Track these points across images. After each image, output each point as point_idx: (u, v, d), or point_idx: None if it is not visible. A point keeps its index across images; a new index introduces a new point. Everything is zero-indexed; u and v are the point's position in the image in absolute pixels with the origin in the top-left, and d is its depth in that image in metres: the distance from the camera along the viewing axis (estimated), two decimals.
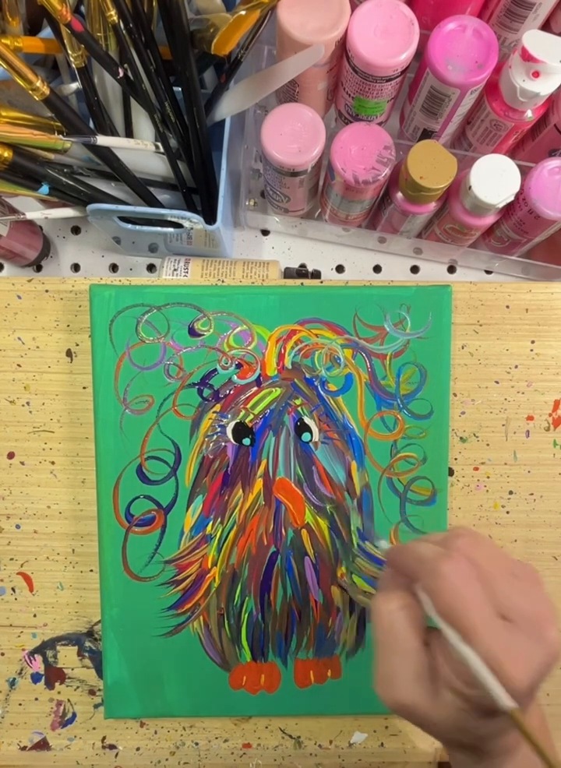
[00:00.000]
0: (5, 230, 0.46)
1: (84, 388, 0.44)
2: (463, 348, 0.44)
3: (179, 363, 0.42)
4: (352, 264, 0.54)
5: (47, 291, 0.44)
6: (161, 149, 0.44)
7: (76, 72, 0.39)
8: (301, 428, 0.42)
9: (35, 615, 0.44)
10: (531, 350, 0.44)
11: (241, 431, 0.42)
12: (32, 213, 0.43)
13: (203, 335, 0.42)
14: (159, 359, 0.42)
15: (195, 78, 0.40)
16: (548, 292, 0.44)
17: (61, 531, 0.44)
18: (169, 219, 0.44)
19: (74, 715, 0.44)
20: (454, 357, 0.44)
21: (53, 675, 0.44)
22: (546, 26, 0.43)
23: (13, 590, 0.44)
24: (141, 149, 0.44)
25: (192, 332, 0.42)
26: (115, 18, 0.37)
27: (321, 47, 0.37)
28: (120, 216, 0.45)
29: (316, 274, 0.52)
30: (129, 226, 0.45)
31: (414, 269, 0.55)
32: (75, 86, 0.44)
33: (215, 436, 0.42)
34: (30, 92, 0.36)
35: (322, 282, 0.45)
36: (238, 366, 0.42)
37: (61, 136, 0.39)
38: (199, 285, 0.44)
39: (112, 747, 0.43)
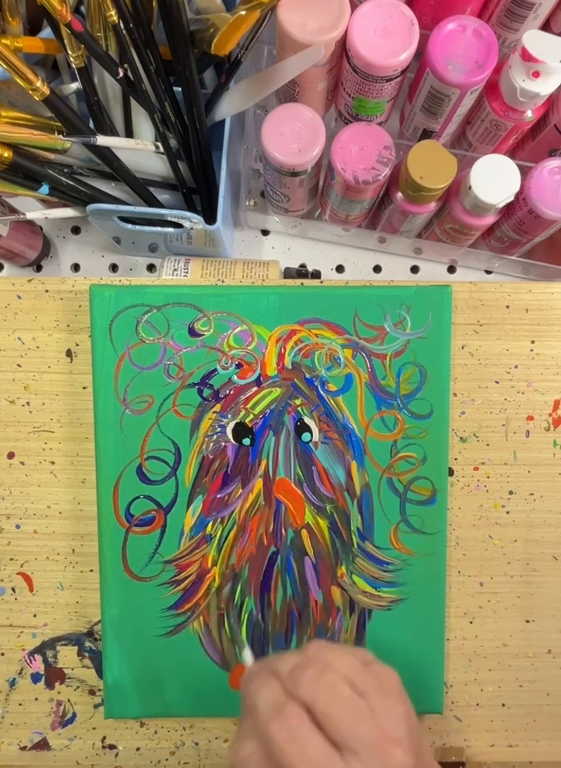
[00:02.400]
0: (5, 230, 0.46)
1: (84, 388, 0.44)
2: (463, 348, 0.44)
3: (179, 363, 0.42)
4: (352, 264, 0.54)
5: (47, 291, 0.44)
6: (161, 149, 0.44)
7: (76, 72, 0.39)
8: (301, 427, 0.42)
9: (35, 615, 0.44)
10: (531, 350, 0.44)
11: (241, 431, 0.42)
12: (32, 213, 0.43)
13: (203, 335, 0.42)
14: (159, 359, 0.42)
15: (195, 78, 0.40)
16: (548, 292, 0.44)
17: (61, 531, 0.44)
18: (169, 219, 0.44)
19: (74, 715, 0.44)
20: (454, 357, 0.44)
21: (53, 675, 0.44)
22: (546, 26, 0.43)
23: (13, 590, 0.44)
24: (141, 149, 0.44)
25: (192, 332, 0.42)
26: (115, 18, 0.37)
27: (321, 47, 0.37)
28: (120, 216, 0.45)
29: (316, 274, 0.52)
30: (129, 226, 0.45)
31: (414, 269, 0.55)
32: (75, 86, 0.44)
33: (215, 436, 0.42)
34: (30, 92, 0.36)
35: (322, 282, 0.45)
36: (238, 366, 0.42)
37: (61, 136, 0.39)
38: (199, 285, 0.44)
39: (112, 747, 0.43)
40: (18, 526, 0.44)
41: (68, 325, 0.44)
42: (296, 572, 0.42)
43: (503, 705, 0.44)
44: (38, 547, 0.44)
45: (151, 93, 0.41)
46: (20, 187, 0.40)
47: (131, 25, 0.38)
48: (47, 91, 0.36)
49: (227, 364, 0.42)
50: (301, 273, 0.51)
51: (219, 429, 0.42)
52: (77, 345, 0.44)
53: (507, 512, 0.44)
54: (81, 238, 0.55)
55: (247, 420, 0.42)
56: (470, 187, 0.41)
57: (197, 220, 0.44)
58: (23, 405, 0.44)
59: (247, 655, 0.34)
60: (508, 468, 0.44)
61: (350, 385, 0.42)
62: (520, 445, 0.44)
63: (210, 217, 0.47)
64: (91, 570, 0.44)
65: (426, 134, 0.45)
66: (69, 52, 0.38)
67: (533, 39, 0.37)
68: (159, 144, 0.44)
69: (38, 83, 0.35)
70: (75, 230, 0.55)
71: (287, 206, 0.49)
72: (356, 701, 0.27)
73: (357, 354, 0.42)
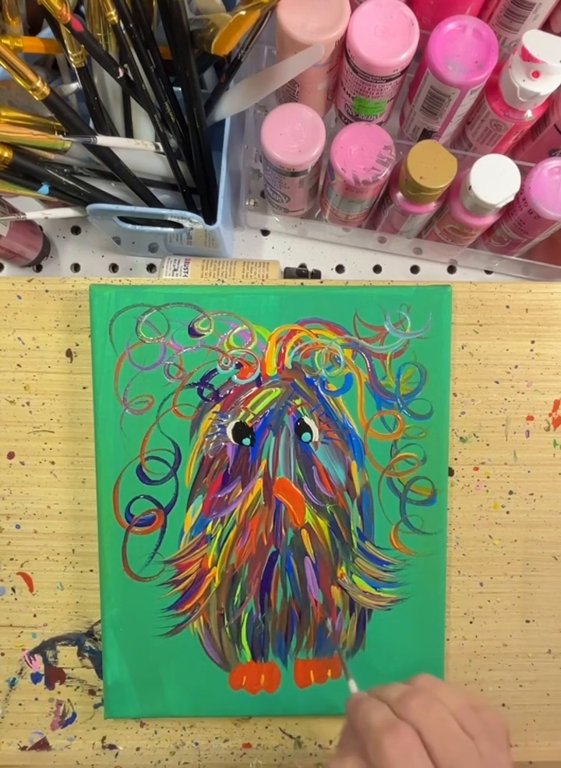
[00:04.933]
0: (5, 230, 0.46)
1: (84, 388, 0.44)
2: (463, 348, 0.44)
3: (179, 363, 0.42)
4: (352, 264, 0.54)
5: (47, 291, 0.44)
6: (161, 149, 0.44)
7: (76, 72, 0.39)
8: (301, 427, 0.42)
9: (35, 615, 0.44)
10: (531, 350, 0.44)
11: (241, 431, 0.42)
12: (32, 213, 0.43)
13: (203, 335, 0.42)
14: (159, 359, 0.42)
15: (195, 78, 0.40)
16: (548, 292, 0.44)
17: (61, 531, 0.44)
18: (169, 219, 0.44)
19: (74, 715, 0.44)
20: (454, 357, 0.44)
21: (53, 675, 0.44)
22: (546, 26, 0.43)
23: (13, 590, 0.44)
24: (141, 149, 0.44)
25: (192, 332, 0.42)
26: (115, 18, 0.37)
27: (321, 47, 0.37)
28: (120, 216, 0.45)
29: (316, 274, 0.52)
30: (129, 226, 0.45)
31: (414, 269, 0.55)
32: (75, 86, 0.44)
33: (215, 436, 0.42)
34: (30, 92, 0.36)
35: (322, 282, 0.45)
36: (238, 366, 0.42)
37: (61, 136, 0.39)
38: (199, 285, 0.44)
39: (112, 747, 0.43)
40: (18, 526, 0.44)
41: (68, 325, 0.44)
42: (296, 572, 0.42)
43: (503, 705, 0.44)
44: (38, 547, 0.44)
45: (151, 93, 0.41)
46: (20, 187, 0.40)
47: (131, 25, 0.38)
48: (47, 91, 0.36)
49: (227, 364, 0.42)
50: (301, 273, 0.51)
51: (219, 429, 0.42)
52: (77, 345, 0.44)
53: (507, 512, 0.44)
54: (81, 238, 0.55)
55: (247, 420, 0.42)
56: (470, 187, 0.41)
57: (197, 220, 0.44)
58: (23, 405, 0.44)
59: (353, 684, 0.35)
60: (508, 468, 0.44)
61: (350, 385, 0.42)
62: (520, 445, 0.44)
63: (210, 217, 0.47)
64: (91, 570, 0.44)
65: (426, 134, 0.45)
66: (69, 52, 0.38)
67: (533, 39, 0.37)
68: (159, 144, 0.44)
69: (38, 83, 0.35)
70: (75, 230, 0.55)
71: (287, 206, 0.49)
72: (465, 740, 0.27)
73: (357, 354, 0.42)
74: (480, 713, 0.28)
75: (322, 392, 0.42)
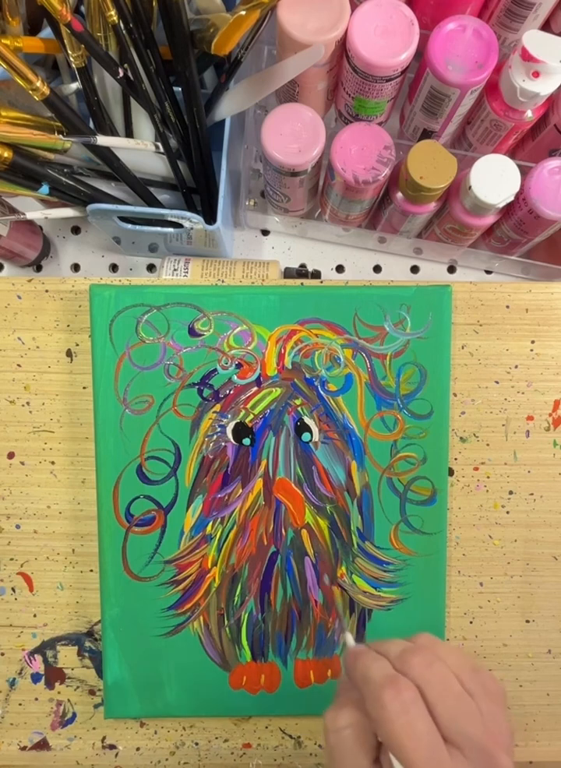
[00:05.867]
0: (5, 230, 0.46)
1: (84, 388, 0.44)
2: (463, 348, 0.44)
3: (179, 363, 0.42)
4: (352, 264, 0.54)
5: (47, 291, 0.44)
6: (161, 149, 0.44)
7: (76, 72, 0.39)
8: (301, 427, 0.42)
9: (35, 615, 0.44)
10: (531, 350, 0.44)
11: (241, 431, 0.42)
12: (32, 213, 0.43)
13: (203, 335, 0.42)
14: (159, 359, 0.42)
15: (195, 78, 0.40)
16: (548, 292, 0.44)
17: (61, 531, 0.44)
18: (169, 219, 0.44)
19: (74, 715, 0.44)
20: (454, 357, 0.44)
21: (53, 675, 0.44)
22: (546, 26, 0.43)
23: (13, 590, 0.44)
24: (141, 149, 0.44)
25: (192, 332, 0.42)
26: (115, 18, 0.37)
27: (321, 47, 0.37)
28: (120, 216, 0.45)
29: (316, 274, 0.52)
30: (129, 226, 0.45)
31: (414, 269, 0.55)
32: (75, 86, 0.44)
33: (215, 436, 0.42)
34: (30, 92, 0.36)
35: (322, 282, 0.45)
36: (238, 366, 0.42)
37: (61, 136, 0.39)
38: (199, 285, 0.44)
39: (112, 747, 0.43)
40: (18, 526, 0.44)
41: (68, 325, 0.44)
42: (296, 572, 0.42)
43: None
44: (38, 547, 0.44)
45: (151, 93, 0.41)
46: (20, 187, 0.40)
47: (131, 25, 0.38)
48: (47, 91, 0.36)
49: (227, 364, 0.42)
50: (301, 273, 0.51)
51: (219, 429, 0.42)
52: (77, 345, 0.44)
53: (507, 512, 0.44)
54: (81, 238, 0.55)
55: (247, 420, 0.42)
56: (470, 187, 0.41)
57: (197, 220, 0.44)
58: (23, 405, 0.44)
59: (349, 637, 0.33)
60: (508, 468, 0.44)
61: (350, 385, 0.42)
62: (520, 445, 0.44)
63: (210, 217, 0.47)
64: (91, 570, 0.44)
65: (426, 134, 0.45)
66: (69, 52, 0.38)
67: (533, 39, 0.37)
68: (159, 144, 0.44)
69: (38, 83, 0.35)
70: (75, 230, 0.55)
71: (287, 206, 0.49)
72: (466, 698, 0.26)
73: (357, 354, 0.42)
74: (479, 674, 0.28)
75: (322, 392, 0.42)
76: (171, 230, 0.45)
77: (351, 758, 0.26)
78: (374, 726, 0.26)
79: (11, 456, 0.44)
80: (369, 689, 0.27)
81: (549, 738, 0.44)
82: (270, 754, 0.43)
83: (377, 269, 0.55)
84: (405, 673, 0.27)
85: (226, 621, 0.42)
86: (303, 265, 0.54)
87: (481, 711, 0.26)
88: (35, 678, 0.44)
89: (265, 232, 0.55)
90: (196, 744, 0.43)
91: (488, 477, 0.44)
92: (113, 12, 0.37)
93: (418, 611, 0.42)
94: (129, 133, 0.45)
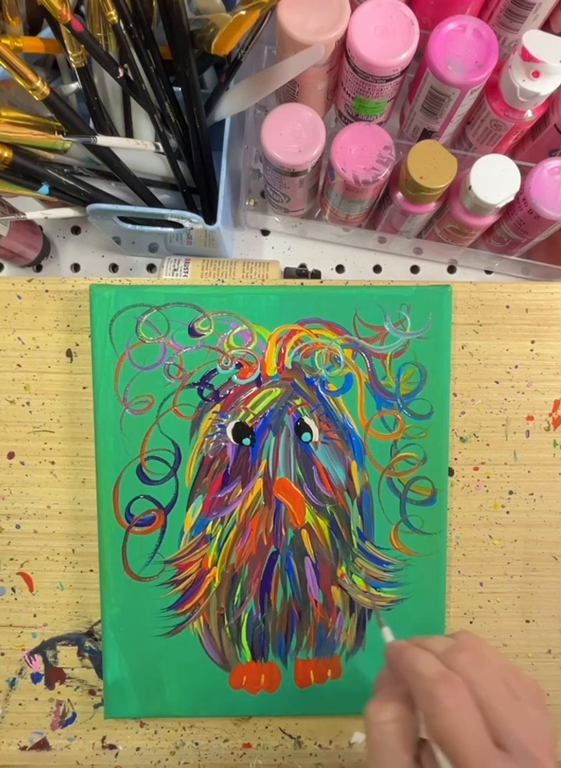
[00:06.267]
0: (5, 230, 0.46)
1: (84, 388, 0.44)
2: (463, 348, 0.44)
3: (179, 363, 0.42)
4: (352, 264, 0.54)
5: (47, 291, 0.44)
6: (161, 149, 0.44)
7: (76, 72, 0.39)
8: (301, 427, 0.42)
9: (35, 615, 0.44)
10: (531, 350, 0.44)
11: (241, 431, 0.42)
12: (32, 213, 0.43)
13: (203, 335, 0.42)
14: (159, 359, 0.42)
15: (195, 78, 0.40)
16: (548, 292, 0.44)
17: (61, 531, 0.44)
18: (169, 219, 0.44)
19: (74, 715, 0.44)
20: (454, 357, 0.44)
21: (53, 675, 0.44)
22: (546, 26, 0.43)
23: (13, 590, 0.44)
24: (141, 149, 0.44)
25: (192, 332, 0.42)
26: (115, 18, 0.37)
27: (321, 47, 0.37)
28: (120, 216, 0.45)
29: (316, 274, 0.52)
30: (129, 226, 0.45)
31: (414, 269, 0.55)
32: (75, 86, 0.44)
33: (215, 436, 0.42)
34: (30, 92, 0.36)
35: (322, 282, 0.45)
36: (238, 366, 0.42)
37: (61, 136, 0.39)
38: (199, 285, 0.44)
39: (112, 747, 0.43)
40: (18, 526, 0.44)
41: (68, 325, 0.44)
42: (296, 572, 0.42)
43: None
44: (38, 547, 0.44)
45: (151, 93, 0.41)
46: (20, 187, 0.40)
47: (131, 25, 0.38)
48: (47, 91, 0.36)
49: (227, 364, 0.42)
50: (301, 273, 0.51)
51: (219, 429, 0.42)
52: (77, 345, 0.44)
53: (507, 512, 0.44)
54: (81, 238, 0.55)
55: (247, 420, 0.42)
56: (470, 187, 0.41)
57: (197, 220, 0.44)
58: (23, 405, 0.44)
59: (387, 632, 0.33)
60: (508, 468, 0.44)
61: (350, 385, 0.42)
62: (520, 445, 0.44)
63: (210, 217, 0.47)
64: (91, 570, 0.44)
65: (426, 134, 0.45)
66: (69, 52, 0.38)
67: (533, 39, 0.37)
68: (159, 144, 0.44)
69: (38, 83, 0.35)
70: (75, 230, 0.55)
71: (287, 206, 0.49)
72: (514, 701, 0.26)
73: (357, 354, 0.42)
74: (521, 678, 0.28)
75: (322, 392, 0.42)
76: (171, 230, 0.45)
77: (393, 754, 0.26)
78: (425, 720, 0.26)
79: (11, 456, 0.44)
80: (421, 684, 0.26)
81: None
82: (270, 754, 0.43)
83: (377, 269, 0.55)
84: (455, 670, 0.26)
85: (226, 621, 0.42)
86: (303, 265, 0.54)
87: (528, 715, 0.26)
88: (35, 678, 0.44)
89: (265, 232, 0.55)
90: (196, 744, 0.43)
91: (488, 477, 0.44)
92: (113, 12, 0.37)
93: (418, 611, 0.42)
94: (129, 133, 0.45)
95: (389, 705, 0.27)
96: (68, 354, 0.44)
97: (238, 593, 0.42)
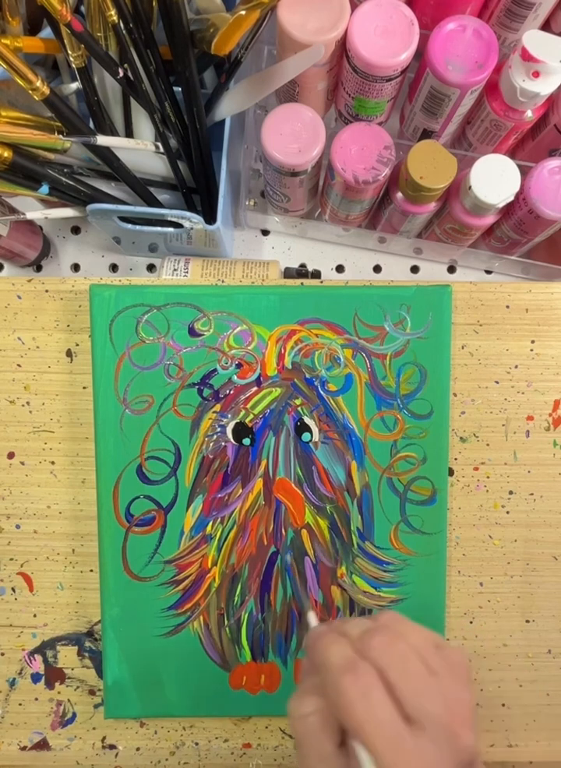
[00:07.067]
0: (5, 230, 0.46)
1: (84, 388, 0.44)
2: (463, 348, 0.44)
3: (179, 363, 0.42)
4: (352, 264, 0.54)
5: (47, 291, 0.44)
6: (161, 149, 0.44)
7: (76, 72, 0.39)
8: (301, 427, 0.42)
9: (35, 615, 0.44)
10: (531, 350, 0.44)
11: (241, 431, 0.42)
12: (32, 213, 0.43)
13: (203, 335, 0.42)
14: (159, 359, 0.42)
15: (195, 78, 0.40)
16: (548, 292, 0.44)
17: (61, 531, 0.44)
18: (169, 219, 0.44)
19: (74, 715, 0.44)
20: (454, 357, 0.44)
21: (53, 675, 0.44)
22: (546, 26, 0.43)
23: (13, 590, 0.44)
24: (141, 149, 0.44)
25: (192, 332, 0.42)
26: (115, 18, 0.37)
27: (321, 47, 0.37)
28: (120, 216, 0.45)
29: (316, 274, 0.52)
30: (129, 226, 0.45)
31: (414, 269, 0.55)
32: (75, 86, 0.44)
33: (215, 436, 0.42)
34: (30, 92, 0.36)
35: (322, 282, 0.45)
36: (238, 366, 0.42)
37: (61, 136, 0.39)
38: (199, 285, 0.44)
39: (112, 747, 0.43)
40: (18, 526, 0.44)
41: (68, 325, 0.44)
42: (296, 572, 0.42)
43: (503, 705, 0.44)
44: (38, 547, 0.44)
45: (151, 93, 0.41)
46: (20, 187, 0.40)
47: (131, 25, 0.38)
48: (47, 91, 0.36)
49: (227, 364, 0.42)
50: (301, 273, 0.51)
51: (219, 429, 0.42)
52: (77, 345, 0.44)
53: (507, 512, 0.44)
54: (81, 238, 0.55)
55: (247, 420, 0.42)
56: (470, 187, 0.41)
57: (197, 220, 0.44)
58: (23, 405, 0.44)
59: (312, 616, 0.33)
60: (508, 468, 0.44)
61: (350, 385, 0.42)
62: (520, 445, 0.44)
63: (210, 217, 0.47)
64: (91, 570, 0.44)
65: (426, 134, 0.45)
66: (69, 52, 0.38)
67: (533, 39, 0.37)
68: (159, 144, 0.44)
69: (38, 83, 0.35)
70: (75, 230, 0.55)
71: (287, 206, 0.49)
72: (428, 677, 0.26)
73: (357, 354, 0.42)
74: (441, 650, 0.28)
75: (322, 392, 0.42)
76: (171, 230, 0.45)
77: (317, 744, 0.26)
78: (334, 710, 0.26)
79: (11, 456, 0.44)
80: (329, 675, 0.27)
81: (549, 738, 0.44)
82: (270, 754, 0.43)
83: (377, 269, 0.55)
84: (365, 654, 0.27)
85: (226, 621, 0.42)
86: (303, 265, 0.54)
87: (443, 688, 0.26)
88: (35, 678, 0.44)
89: (265, 232, 0.55)
90: (196, 744, 0.43)
91: (488, 477, 0.44)
92: (113, 12, 0.37)
93: (417, 611, 0.42)
94: (129, 133, 0.45)
95: (308, 698, 0.27)
96: (68, 354, 0.44)
97: (238, 593, 0.42)
